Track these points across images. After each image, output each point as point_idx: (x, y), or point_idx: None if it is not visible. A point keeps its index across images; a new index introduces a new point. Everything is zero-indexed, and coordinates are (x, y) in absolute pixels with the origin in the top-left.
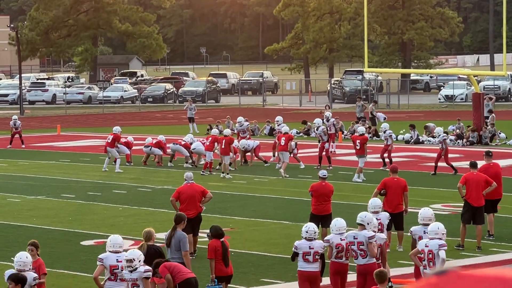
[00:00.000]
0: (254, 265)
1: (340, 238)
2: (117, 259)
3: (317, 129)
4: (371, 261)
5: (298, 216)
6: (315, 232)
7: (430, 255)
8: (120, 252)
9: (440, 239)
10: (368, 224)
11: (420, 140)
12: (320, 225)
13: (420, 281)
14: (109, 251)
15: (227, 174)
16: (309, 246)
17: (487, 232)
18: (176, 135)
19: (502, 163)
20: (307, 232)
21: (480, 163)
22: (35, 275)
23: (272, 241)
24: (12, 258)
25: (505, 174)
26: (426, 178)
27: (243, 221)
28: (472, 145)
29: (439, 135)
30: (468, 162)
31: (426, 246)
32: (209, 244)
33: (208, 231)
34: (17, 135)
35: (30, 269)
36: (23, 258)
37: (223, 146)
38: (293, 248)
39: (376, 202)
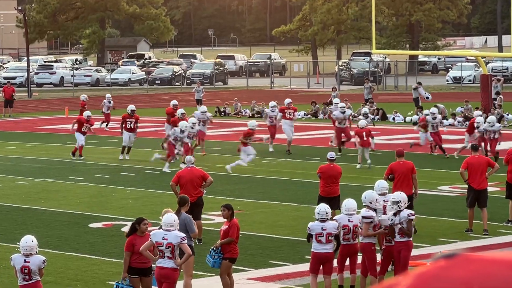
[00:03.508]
0: (262, 247)
1: (348, 219)
2: (163, 237)
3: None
4: (364, 241)
5: (306, 198)
6: (327, 213)
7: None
8: (171, 231)
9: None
10: (371, 203)
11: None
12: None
13: (427, 265)
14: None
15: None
16: (322, 227)
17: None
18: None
19: (510, 144)
20: (319, 213)
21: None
22: (43, 258)
23: (279, 223)
24: (17, 243)
25: None
26: (434, 160)
27: (251, 203)
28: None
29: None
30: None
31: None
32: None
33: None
34: None
35: (36, 252)
36: (28, 242)
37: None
38: (307, 230)
39: (382, 184)
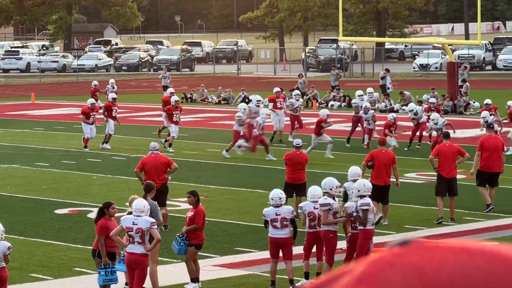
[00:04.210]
0: (228, 234)
1: (314, 206)
2: (133, 222)
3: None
4: (323, 228)
5: (273, 184)
6: (280, 198)
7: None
8: (141, 217)
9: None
10: (331, 189)
11: (395, 109)
12: (295, 194)
13: (381, 251)
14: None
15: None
16: (276, 213)
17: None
18: (150, 103)
19: (476, 132)
20: (272, 199)
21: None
22: (9, 244)
23: (246, 210)
24: None
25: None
26: (400, 147)
27: (217, 190)
28: (447, 114)
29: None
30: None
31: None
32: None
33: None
34: None
35: (2, 238)
36: None
37: None
38: (262, 216)
39: (355, 170)
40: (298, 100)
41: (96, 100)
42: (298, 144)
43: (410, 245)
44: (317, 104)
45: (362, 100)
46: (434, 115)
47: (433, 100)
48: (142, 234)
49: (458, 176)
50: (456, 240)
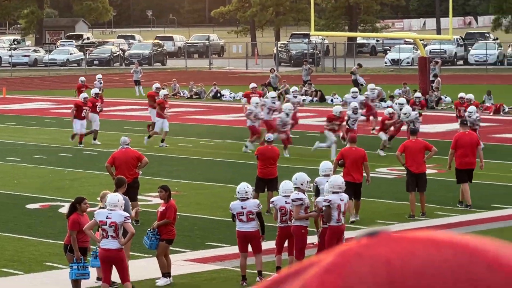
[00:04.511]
0: (200, 229)
1: (285, 201)
2: (107, 216)
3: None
4: (295, 224)
5: (244, 179)
6: (246, 192)
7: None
8: (115, 211)
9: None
10: (302, 184)
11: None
12: (266, 189)
13: (350, 242)
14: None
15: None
16: (241, 206)
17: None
18: (122, 98)
19: (447, 127)
20: (238, 192)
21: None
22: None
23: (217, 205)
24: None
25: (449, 137)
26: (372, 141)
27: (189, 184)
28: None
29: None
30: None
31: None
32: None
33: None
34: None
35: None
36: None
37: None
38: (229, 209)
39: (326, 165)
40: (296, 97)
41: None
42: (270, 139)
43: (378, 236)
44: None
45: (355, 98)
46: (406, 108)
47: (418, 94)
48: (116, 228)
49: (428, 171)
50: (424, 231)
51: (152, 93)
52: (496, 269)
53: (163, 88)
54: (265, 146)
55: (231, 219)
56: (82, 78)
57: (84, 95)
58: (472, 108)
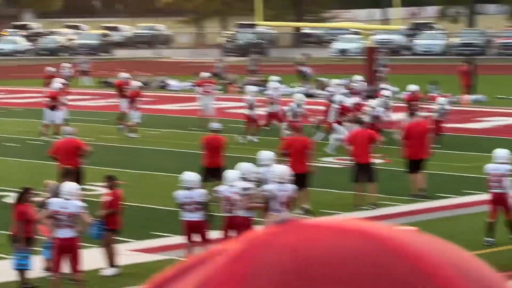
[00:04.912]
0: (145, 218)
1: (230, 191)
2: (62, 205)
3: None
4: (242, 214)
5: (191, 168)
6: (192, 181)
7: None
8: (70, 200)
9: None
10: (248, 174)
11: (312, 94)
12: (212, 178)
13: (258, 230)
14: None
15: None
16: (187, 196)
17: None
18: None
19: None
20: (184, 182)
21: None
22: None
23: (163, 194)
24: None
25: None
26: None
27: (135, 174)
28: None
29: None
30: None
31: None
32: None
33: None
34: None
35: None
36: None
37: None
38: (176, 199)
39: (267, 155)
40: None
41: (49, 86)
42: (216, 128)
43: (287, 224)
44: (235, 88)
45: (338, 90)
46: (374, 102)
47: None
48: (71, 218)
49: (376, 161)
50: (333, 219)
51: (120, 82)
52: (401, 258)
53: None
54: (211, 135)
55: (177, 209)
56: (51, 69)
57: (59, 84)
58: (442, 100)
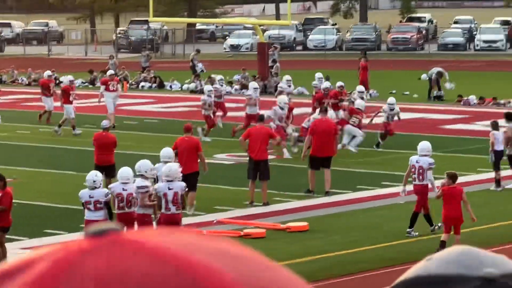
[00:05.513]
0: (37, 216)
1: (123, 188)
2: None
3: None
4: (139, 212)
5: (83, 166)
6: (94, 181)
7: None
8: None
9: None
10: (146, 172)
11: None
12: (104, 175)
13: (71, 244)
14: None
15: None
16: (89, 195)
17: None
18: None
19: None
20: (87, 181)
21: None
22: None
23: (56, 192)
24: None
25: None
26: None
27: (27, 172)
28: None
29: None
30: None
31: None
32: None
33: None
34: None
35: None
36: None
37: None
38: (79, 198)
39: (166, 151)
40: (222, 85)
41: None
42: (105, 125)
43: (104, 237)
44: (127, 85)
45: (290, 86)
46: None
47: (326, 84)
48: None
49: (270, 157)
50: (160, 236)
51: (45, 81)
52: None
53: (52, 77)
54: (101, 132)
55: (70, 207)
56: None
57: (48, 72)
58: (392, 100)
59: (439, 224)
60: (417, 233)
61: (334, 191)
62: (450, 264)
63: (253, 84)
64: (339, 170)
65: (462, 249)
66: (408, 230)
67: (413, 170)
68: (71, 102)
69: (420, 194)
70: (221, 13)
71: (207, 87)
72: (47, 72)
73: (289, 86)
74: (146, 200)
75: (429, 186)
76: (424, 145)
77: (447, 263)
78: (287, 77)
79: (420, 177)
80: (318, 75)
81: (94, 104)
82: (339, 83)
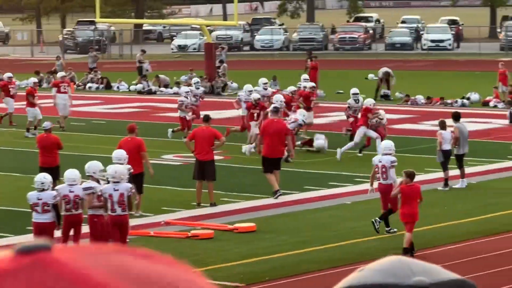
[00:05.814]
0: None
1: (69, 190)
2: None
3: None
4: (89, 213)
5: (28, 167)
6: (42, 183)
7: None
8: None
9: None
10: (94, 173)
11: (153, 91)
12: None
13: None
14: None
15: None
16: (37, 197)
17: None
18: None
19: (233, 113)
20: (35, 183)
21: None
22: None
23: (1, 194)
24: None
25: (236, 123)
26: (158, 129)
27: None
28: (205, 95)
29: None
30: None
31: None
32: None
33: None
34: None
35: None
36: None
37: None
38: (27, 200)
39: (119, 153)
40: (198, 88)
41: None
42: (47, 127)
43: (36, 255)
44: (74, 86)
45: (266, 89)
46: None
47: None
48: None
49: (216, 157)
50: (118, 259)
51: (4, 83)
52: None
53: (11, 78)
54: (42, 134)
55: (14, 209)
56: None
57: (33, 79)
58: (355, 90)
59: (395, 230)
60: (396, 229)
61: (283, 191)
62: (381, 274)
63: (184, 88)
64: (287, 171)
65: (393, 259)
66: (386, 229)
67: (376, 170)
68: (34, 105)
69: (384, 194)
70: (168, 13)
71: (183, 89)
72: (7, 74)
73: (265, 89)
74: (95, 201)
75: (394, 185)
76: (387, 144)
77: (379, 273)
78: (263, 79)
79: (384, 176)
80: (247, 87)
81: (42, 105)
82: (310, 84)
